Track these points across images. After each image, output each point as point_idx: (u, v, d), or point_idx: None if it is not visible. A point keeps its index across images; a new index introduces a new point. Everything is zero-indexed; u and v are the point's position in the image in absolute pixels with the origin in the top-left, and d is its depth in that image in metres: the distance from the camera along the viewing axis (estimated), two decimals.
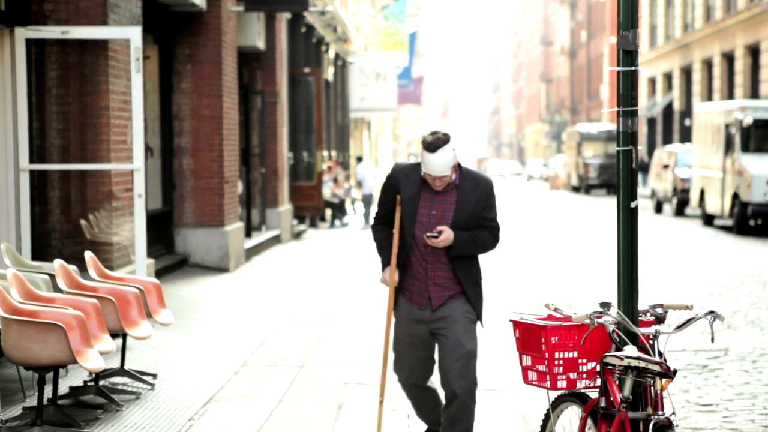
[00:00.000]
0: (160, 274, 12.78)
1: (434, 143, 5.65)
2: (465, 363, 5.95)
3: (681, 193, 29.08)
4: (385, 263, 5.99)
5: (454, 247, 5.76)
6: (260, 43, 18.13)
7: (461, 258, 5.83)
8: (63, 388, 7.63)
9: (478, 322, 6.00)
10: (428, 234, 5.71)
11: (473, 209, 5.79)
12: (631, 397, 4.59)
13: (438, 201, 5.83)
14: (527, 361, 4.93)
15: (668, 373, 4.43)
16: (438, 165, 5.64)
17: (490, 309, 12.31)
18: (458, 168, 5.84)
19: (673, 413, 4.65)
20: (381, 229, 6.07)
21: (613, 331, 4.70)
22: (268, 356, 9.44)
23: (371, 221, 6.08)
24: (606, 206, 35.83)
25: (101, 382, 7.71)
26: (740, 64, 36.23)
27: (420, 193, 5.84)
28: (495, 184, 5.96)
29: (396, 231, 5.93)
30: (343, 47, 32.89)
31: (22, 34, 9.93)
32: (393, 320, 6.09)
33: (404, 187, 5.87)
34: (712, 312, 4.69)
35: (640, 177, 20.11)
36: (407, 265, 5.91)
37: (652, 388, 4.63)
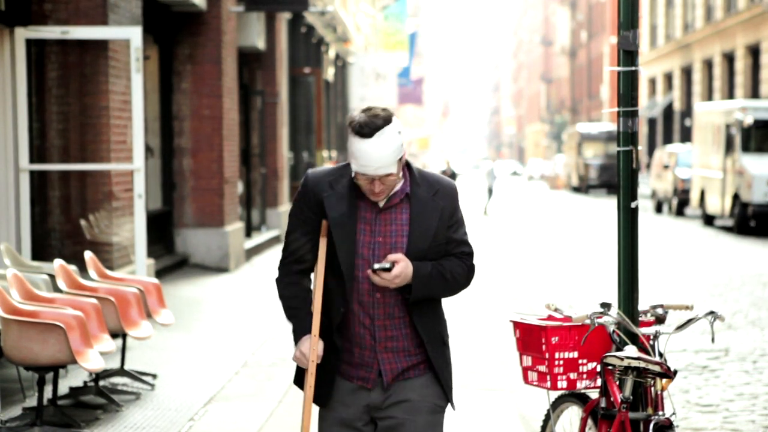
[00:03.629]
0: (160, 274, 12.77)
1: (369, 123, 3.77)
2: None
3: (681, 194, 29.07)
4: (301, 332, 3.97)
5: (415, 287, 3.86)
6: (260, 43, 18.13)
7: (423, 305, 3.95)
8: (63, 388, 7.62)
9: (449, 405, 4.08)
10: (376, 266, 3.79)
11: (435, 229, 3.91)
12: (631, 397, 4.58)
13: (383, 221, 3.91)
14: (527, 361, 4.92)
15: (668, 374, 4.43)
16: (377, 157, 3.75)
17: (490, 309, 12.34)
18: (407, 168, 3.97)
19: (674, 414, 4.65)
20: (292, 281, 4.02)
21: (614, 331, 4.69)
22: (268, 356, 9.44)
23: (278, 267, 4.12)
24: (606, 206, 35.83)
25: (101, 383, 7.71)
26: (740, 64, 36.23)
27: (356, 213, 3.90)
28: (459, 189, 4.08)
29: (319, 276, 3.95)
30: (344, 47, 32.89)
31: (22, 34, 9.93)
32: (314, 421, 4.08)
33: (330, 205, 3.89)
34: (712, 312, 4.69)
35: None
36: (342, 326, 3.96)
37: (652, 388, 4.62)
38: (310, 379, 3.96)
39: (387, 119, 3.81)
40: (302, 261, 4.01)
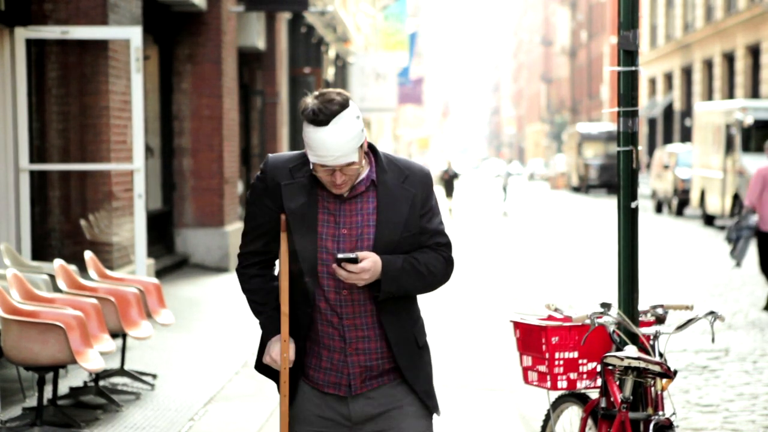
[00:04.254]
0: (160, 274, 12.77)
1: (323, 109, 3.43)
2: None
3: (681, 194, 29.07)
4: (270, 331, 3.67)
5: (385, 282, 3.51)
6: (260, 43, 18.13)
7: (393, 304, 3.60)
8: (63, 388, 7.62)
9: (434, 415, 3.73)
10: (340, 256, 3.47)
11: (406, 218, 3.57)
12: (631, 397, 4.58)
13: (347, 212, 3.57)
14: (527, 361, 4.92)
15: (669, 374, 4.43)
16: (335, 146, 3.42)
17: (490, 309, 12.34)
18: (372, 154, 3.63)
19: (674, 414, 4.65)
20: (255, 273, 3.71)
21: (614, 331, 4.69)
22: None
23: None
24: (606, 206, 35.82)
25: (101, 383, 7.71)
26: (741, 64, 36.23)
27: (317, 203, 3.58)
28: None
29: (283, 275, 3.63)
30: (344, 47, 32.89)
31: (22, 34, 9.93)
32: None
33: (288, 195, 3.57)
34: (712, 312, 4.68)
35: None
36: (308, 328, 3.63)
37: (652, 388, 4.62)
38: (284, 388, 3.62)
39: (343, 103, 3.45)
40: (264, 252, 3.69)
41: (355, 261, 3.47)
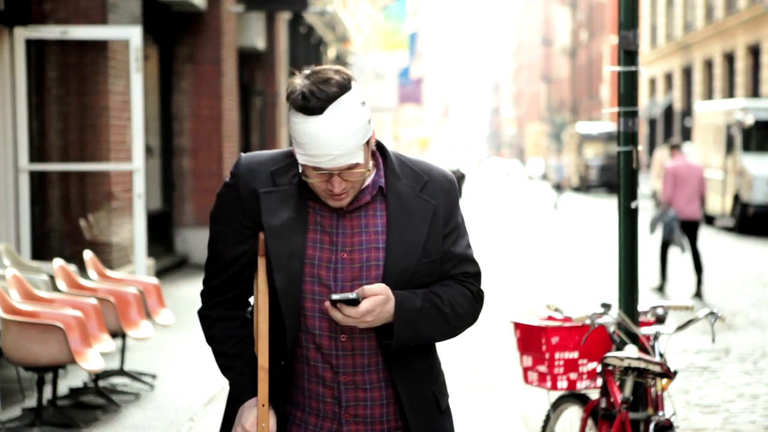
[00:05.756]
0: (160, 274, 12.77)
1: (317, 92, 2.55)
2: None
3: None
4: (242, 392, 2.72)
5: (398, 328, 2.64)
6: (260, 43, 18.12)
7: (408, 354, 2.74)
8: (62, 388, 7.62)
9: None
10: (335, 297, 2.56)
11: (425, 241, 2.69)
12: (631, 397, 4.58)
13: (347, 230, 2.69)
14: (528, 361, 4.92)
15: (669, 374, 4.42)
16: (332, 142, 2.54)
17: (490, 309, 12.33)
18: (380, 154, 2.75)
19: (674, 414, 4.65)
20: (221, 315, 2.76)
21: (614, 331, 4.69)
22: None
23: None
24: (606, 206, 35.81)
25: (101, 383, 7.71)
26: (741, 64, 36.23)
27: (307, 218, 2.68)
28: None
29: (261, 314, 2.69)
30: (343, 47, 32.89)
31: (22, 34, 9.92)
32: None
33: (269, 209, 2.66)
34: (712, 313, 4.68)
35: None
36: (291, 386, 2.75)
37: (652, 388, 4.62)
38: None
39: (343, 85, 2.58)
40: (235, 284, 2.74)
41: (356, 303, 2.57)
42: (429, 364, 2.80)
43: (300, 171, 2.65)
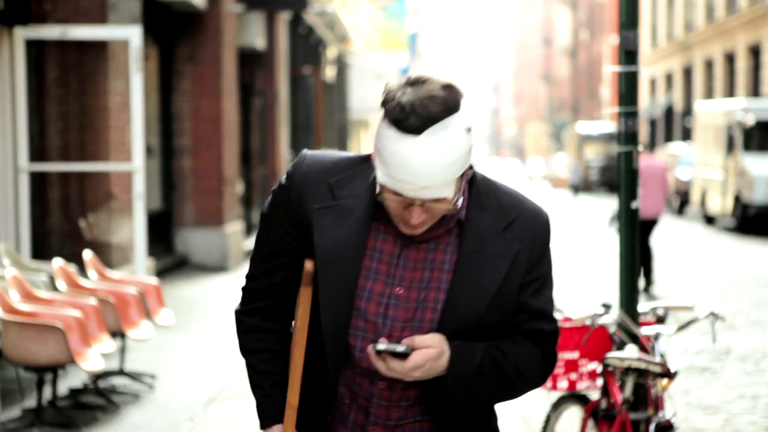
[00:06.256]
0: (159, 274, 12.77)
1: (420, 108, 2.14)
2: None
3: (682, 194, 29.07)
4: (267, 417, 2.46)
5: (452, 386, 2.29)
6: (260, 43, 18.12)
7: (458, 412, 2.38)
8: (62, 389, 7.61)
9: None
10: (381, 347, 2.23)
11: (499, 288, 2.31)
12: (632, 398, 4.57)
13: (410, 262, 2.31)
14: None
15: (669, 374, 4.42)
16: (424, 170, 2.15)
17: None
18: (469, 180, 2.34)
19: (675, 414, 4.64)
20: (258, 324, 2.47)
21: (614, 332, 4.68)
22: None
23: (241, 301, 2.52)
24: (606, 206, 35.82)
25: (100, 384, 7.70)
26: (742, 64, 36.23)
27: (365, 241, 2.31)
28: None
29: (299, 343, 2.38)
30: (343, 47, 32.88)
31: (22, 34, 9.92)
32: None
33: (322, 226, 2.31)
34: (713, 313, 4.68)
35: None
36: (321, 427, 2.43)
37: (653, 389, 4.61)
38: None
39: (451, 106, 2.15)
40: (279, 293, 2.44)
41: (404, 356, 2.23)
42: (483, 423, 2.43)
43: (377, 191, 2.26)
